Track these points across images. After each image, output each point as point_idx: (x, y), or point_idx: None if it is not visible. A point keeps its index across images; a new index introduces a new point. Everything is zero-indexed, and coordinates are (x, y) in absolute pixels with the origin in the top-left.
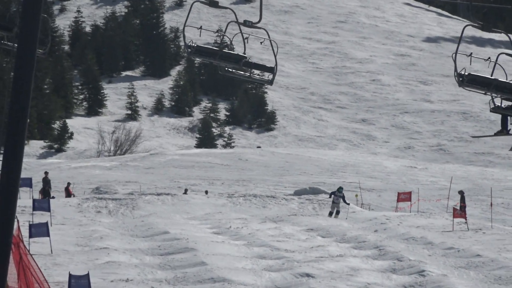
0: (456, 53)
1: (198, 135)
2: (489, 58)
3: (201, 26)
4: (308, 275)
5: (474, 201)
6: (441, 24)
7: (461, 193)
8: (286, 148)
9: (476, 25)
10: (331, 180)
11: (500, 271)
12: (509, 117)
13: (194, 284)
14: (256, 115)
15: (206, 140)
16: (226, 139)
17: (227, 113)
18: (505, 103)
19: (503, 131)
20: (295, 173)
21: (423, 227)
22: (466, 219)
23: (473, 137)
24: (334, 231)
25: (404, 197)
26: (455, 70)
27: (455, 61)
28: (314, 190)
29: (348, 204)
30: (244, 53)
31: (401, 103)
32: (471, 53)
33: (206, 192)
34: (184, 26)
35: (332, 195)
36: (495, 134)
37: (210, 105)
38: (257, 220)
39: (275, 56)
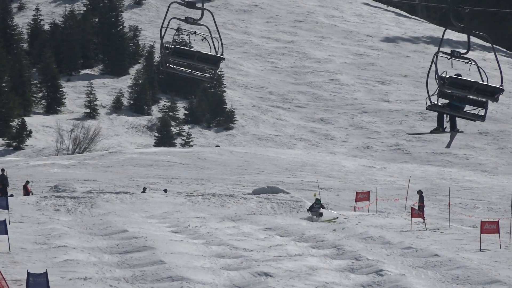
0: (437, 55)
1: (156, 134)
2: (470, 60)
3: (178, 27)
4: (266, 274)
5: (432, 201)
6: (399, 24)
7: (419, 193)
8: (245, 147)
9: (457, 27)
10: (289, 179)
11: (458, 271)
12: (445, 115)
13: (152, 282)
14: (215, 114)
15: (164, 138)
16: (184, 138)
17: (186, 112)
18: (442, 101)
19: (439, 128)
20: (253, 172)
21: (381, 226)
22: (424, 219)
23: (409, 134)
24: (292, 230)
25: (363, 196)
26: (436, 73)
27: (436, 64)
28: (272, 189)
29: (324, 208)
30: (222, 54)
31: (359, 103)
32: (453, 55)
33: (165, 190)
34: (162, 27)
35: (311, 210)
36: (431, 132)
37: (169, 104)
38: (215, 219)
39: (215, 50)
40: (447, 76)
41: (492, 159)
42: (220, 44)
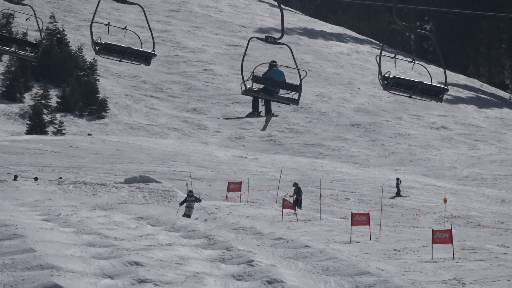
0: (380, 55)
1: (29, 122)
2: (413, 60)
3: (108, 23)
4: (137, 263)
5: (303, 192)
6: (273, 15)
7: (295, 185)
8: (117, 136)
9: (400, 26)
10: (161, 169)
11: (328, 262)
12: (260, 100)
13: (22, 271)
14: (88, 103)
15: (37, 126)
16: (57, 126)
17: (59, 100)
18: (256, 86)
19: (254, 113)
20: (125, 161)
21: (253, 217)
22: (295, 210)
23: (225, 119)
24: (163, 220)
25: (234, 187)
26: (380, 72)
27: (379, 64)
28: (144, 178)
29: (200, 201)
30: (153, 50)
31: (232, 93)
32: (395, 55)
33: (36, 178)
34: (92, 22)
35: (185, 203)
36: (247, 116)
37: (41, 91)
38: (87, 207)
39: (40, 33)
40: (391, 76)
41: (364, 151)
42: (152, 40)
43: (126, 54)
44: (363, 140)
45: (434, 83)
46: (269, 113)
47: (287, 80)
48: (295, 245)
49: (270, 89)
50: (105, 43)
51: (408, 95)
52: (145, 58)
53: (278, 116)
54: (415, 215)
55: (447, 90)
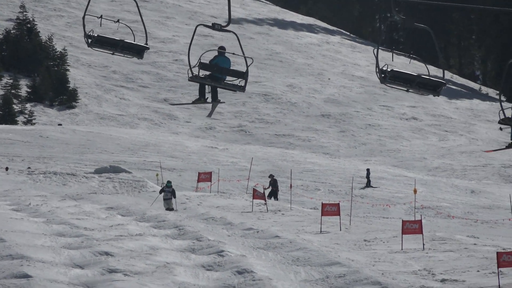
0: (378, 48)
1: None
2: (412, 52)
3: (101, 15)
4: (107, 253)
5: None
6: (244, 6)
7: (271, 177)
8: (88, 126)
9: (398, 19)
10: (132, 159)
11: (298, 253)
12: (207, 86)
13: None
14: (58, 93)
15: (6, 116)
16: (27, 116)
17: (29, 90)
18: (203, 72)
19: (201, 99)
20: (96, 151)
21: (223, 207)
22: (265, 201)
23: (171, 104)
24: (134, 210)
25: (205, 177)
26: (377, 66)
27: (376, 57)
28: (114, 168)
29: (175, 197)
30: (146, 43)
31: None
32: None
33: (7, 168)
34: (84, 15)
35: (162, 193)
36: (193, 102)
37: (11, 81)
38: (57, 197)
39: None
40: (389, 70)
41: (334, 141)
42: (145, 34)
43: (119, 47)
44: (334, 131)
45: (432, 77)
46: (215, 100)
47: (236, 67)
48: (265, 236)
49: (216, 76)
50: (98, 35)
51: (406, 89)
52: (137, 51)
53: (224, 102)
54: (385, 206)
55: (445, 84)
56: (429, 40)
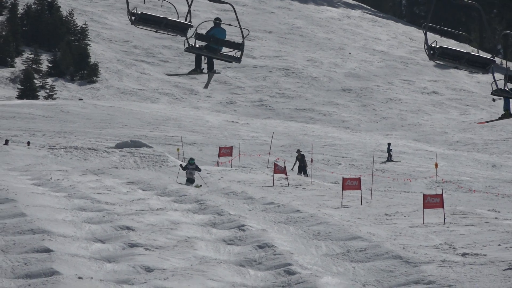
0: (427, 24)
1: (20, 86)
2: (460, 29)
3: None
4: (128, 228)
5: (294, 157)
6: None
7: (298, 151)
8: (108, 101)
9: None
10: (152, 134)
11: (319, 227)
12: (203, 57)
13: (13, 235)
14: (79, 68)
15: (28, 91)
16: (48, 91)
17: (50, 65)
18: (199, 43)
19: (197, 69)
20: (117, 126)
21: (244, 182)
22: (286, 175)
23: (168, 75)
24: (155, 185)
25: (226, 151)
26: (426, 42)
27: (425, 33)
28: (135, 143)
29: (200, 170)
30: (190, 21)
31: None
32: (442, 24)
33: (28, 143)
34: None
35: (186, 170)
36: (189, 73)
37: (32, 56)
38: (78, 172)
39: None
40: (437, 46)
41: (355, 116)
42: (188, 11)
43: (162, 25)
44: (354, 105)
45: (481, 55)
46: (211, 70)
47: (232, 39)
48: (286, 210)
49: (212, 47)
50: (142, 13)
51: (454, 66)
52: (181, 29)
53: (220, 73)
54: (406, 180)
55: (494, 61)
56: (450, 15)
